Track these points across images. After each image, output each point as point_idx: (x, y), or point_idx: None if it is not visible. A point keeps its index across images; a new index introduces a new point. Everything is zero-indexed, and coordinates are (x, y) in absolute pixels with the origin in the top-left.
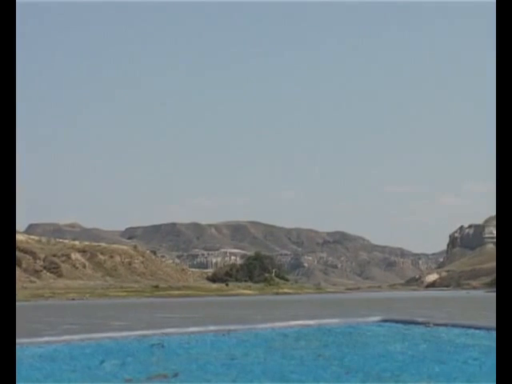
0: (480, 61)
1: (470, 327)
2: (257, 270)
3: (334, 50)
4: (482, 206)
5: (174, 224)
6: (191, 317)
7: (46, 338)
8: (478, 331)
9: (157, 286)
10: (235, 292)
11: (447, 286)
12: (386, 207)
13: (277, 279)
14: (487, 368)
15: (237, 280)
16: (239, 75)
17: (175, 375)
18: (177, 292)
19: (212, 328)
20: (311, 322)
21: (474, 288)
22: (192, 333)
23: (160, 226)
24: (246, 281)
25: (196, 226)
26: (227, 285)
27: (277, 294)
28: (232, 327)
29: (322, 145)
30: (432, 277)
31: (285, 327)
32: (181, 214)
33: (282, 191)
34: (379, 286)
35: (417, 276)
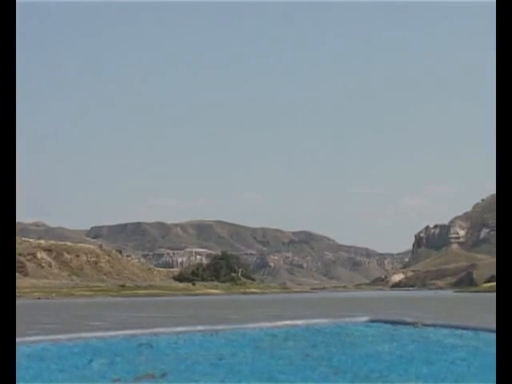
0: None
1: (458, 328)
2: (223, 269)
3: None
4: (445, 207)
5: (139, 223)
6: (173, 317)
7: (34, 338)
8: (466, 332)
9: (123, 286)
10: (202, 291)
11: (412, 286)
12: (351, 207)
13: (243, 279)
14: (475, 368)
15: (203, 279)
16: (223, 76)
17: (163, 375)
18: (143, 291)
19: (200, 328)
20: (299, 322)
21: (440, 288)
22: (180, 332)
23: (125, 225)
24: (212, 280)
25: (161, 226)
26: (194, 284)
27: (244, 293)
28: (220, 327)
29: (286, 145)
30: (397, 277)
31: (273, 327)
32: (146, 214)
33: (246, 191)
34: (345, 286)
35: (382, 276)
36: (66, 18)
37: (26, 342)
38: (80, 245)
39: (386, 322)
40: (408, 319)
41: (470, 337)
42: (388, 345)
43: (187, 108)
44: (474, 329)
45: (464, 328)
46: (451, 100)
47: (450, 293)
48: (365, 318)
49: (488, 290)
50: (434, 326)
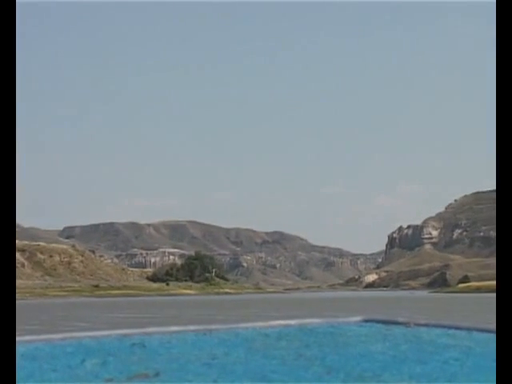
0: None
1: (451, 327)
2: (197, 269)
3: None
4: (418, 207)
5: (112, 223)
6: (161, 317)
7: (27, 337)
8: (459, 331)
9: (97, 286)
10: (176, 292)
11: (386, 287)
12: (324, 208)
13: (217, 279)
14: (468, 368)
15: (177, 280)
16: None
17: (156, 375)
18: (117, 291)
19: (193, 327)
20: (292, 322)
21: (413, 288)
22: (173, 332)
23: (98, 225)
24: (186, 280)
25: (134, 226)
26: (168, 284)
27: (218, 293)
28: (213, 327)
29: (257, 146)
30: (371, 277)
31: (266, 327)
32: (119, 214)
33: (218, 191)
34: (319, 286)
35: (356, 276)
36: (65, 18)
37: (18, 342)
38: (53, 245)
39: (378, 321)
40: (401, 319)
41: (463, 337)
42: (381, 344)
43: (161, 108)
44: (468, 329)
45: (457, 328)
46: (426, 100)
47: (425, 293)
48: (358, 318)
49: (463, 291)
50: (426, 325)
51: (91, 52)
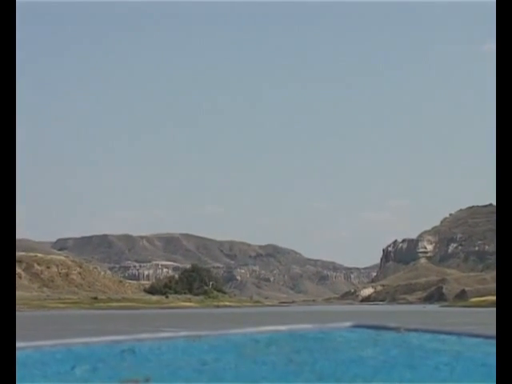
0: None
1: (441, 332)
2: (196, 282)
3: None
4: (412, 221)
5: (105, 235)
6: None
7: (18, 344)
8: (448, 337)
9: (96, 298)
10: (176, 304)
11: (382, 301)
12: (317, 221)
13: (215, 292)
14: (458, 373)
15: (176, 292)
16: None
17: (146, 381)
18: (116, 304)
19: (183, 333)
20: (282, 328)
21: (410, 302)
22: (163, 338)
23: (91, 237)
24: (185, 293)
25: (128, 238)
26: (167, 297)
27: (217, 306)
28: (203, 333)
29: (251, 158)
30: (367, 291)
31: (256, 333)
32: (112, 226)
33: (212, 204)
34: (314, 300)
35: (352, 290)
36: (64, 18)
37: None
38: (50, 256)
39: (369, 327)
40: (391, 324)
41: (452, 341)
42: (371, 350)
43: (155, 121)
44: (457, 334)
45: (447, 333)
46: (419, 111)
47: (436, 307)
48: (348, 324)
49: (478, 305)
50: (416, 330)
51: (88, 59)
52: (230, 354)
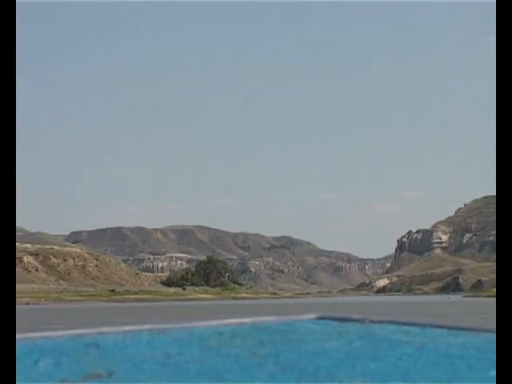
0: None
1: (405, 324)
2: (213, 274)
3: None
4: (425, 212)
5: (119, 228)
6: None
7: None
8: (412, 328)
9: (113, 290)
10: (193, 296)
11: (398, 291)
12: (330, 213)
13: (232, 284)
14: (421, 364)
15: (192, 284)
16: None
17: (110, 374)
18: (134, 296)
19: (147, 327)
20: (246, 320)
21: (426, 293)
22: (127, 332)
23: (105, 230)
24: (202, 285)
25: (141, 231)
26: (184, 289)
27: (235, 298)
28: (167, 326)
29: (264, 150)
30: (382, 282)
31: (220, 325)
32: (126, 219)
33: (225, 196)
34: (329, 291)
35: (367, 281)
36: (64, 18)
37: None
38: (67, 249)
39: (333, 319)
40: (355, 316)
41: (416, 333)
42: (335, 342)
43: (167, 113)
44: (421, 325)
45: (411, 324)
46: (432, 104)
47: (459, 297)
48: (312, 316)
49: None
50: (381, 322)
51: (91, 57)
52: (194, 346)
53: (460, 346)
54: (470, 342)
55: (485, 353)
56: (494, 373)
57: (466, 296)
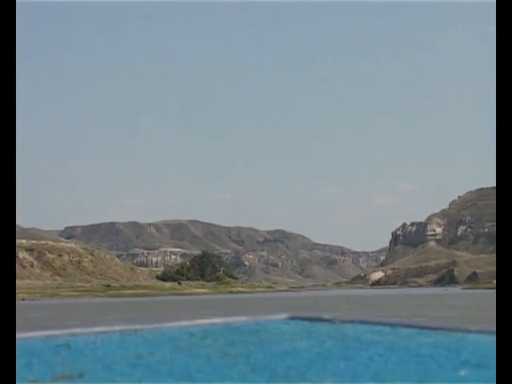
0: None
1: (376, 324)
2: (208, 268)
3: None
4: (419, 204)
5: (113, 223)
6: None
7: None
8: (383, 327)
9: (109, 286)
10: (189, 291)
11: (393, 284)
12: (324, 206)
13: (227, 278)
14: (392, 364)
15: (188, 279)
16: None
17: (81, 375)
18: (130, 291)
19: (118, 327)
20: (218, 321)
21: (421, 286)
22: (98, 333)
23: (99, 225)
24: (197, 279)
25: (135, 225)
26: (180, 283)
27: (231, 292)
28: (138, 326)
29: (258, 145)
30: (377, 274)
31: (191, 326)
32: (120, 214)
33: (219, 190)
34: (323, 285)
35: (362, 274)
36: (62, 18)
37: None
38: (62, 244)
39: (304, 319)
40: (326, 316)
41: (387, 332)
42: (306, 342)
43: (162, 108)
44: (392, 325)
45: (382, 324)
46: (425, 97)
47: (457, 290)
48: (283, 316)
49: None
50: (351, 322)
51: (90, 52)
52: (165, 347)
53: (430, 346)
54: (441, 342)
55: (455, 352)
56: (464, 372)
57: (464, 288)
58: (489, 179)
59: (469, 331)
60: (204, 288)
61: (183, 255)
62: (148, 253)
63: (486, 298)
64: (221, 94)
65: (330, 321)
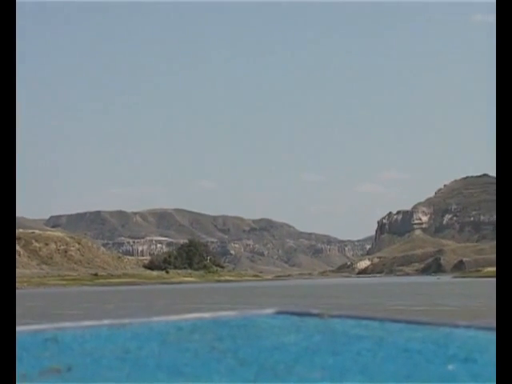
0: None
1: (364, 318)
2: (196, 257)
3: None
4: (405, 193)
5: (98, 212)
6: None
7: None
8: (371, 322)
9: (96, 274)
10: (177, 280)
11: (379, 273)
12: (309, 195)
13: (214, 266)
14: (380, 359)
15: (175, 267)
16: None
17: (68, 369)
18: (117, 280)
19: (106, 322)
20: (206, 315)
21: (407, 274)
22: (86, 327)
23: (85, 214)
24: (185, 268)
25: (121, 214)
26: (167, 272)
27: (219, 281)
28: (126, 321)
29: (243, 133)
30: (364, 263)
31: (179, 320)
32: (105, 202)
33: (205, 179)
34: (310, 274)
35: (348, 262)
36: (62, 18)
37: None
38: (49, 233)
39: (292, 313)
40: (314, 310)
41: (375, 327)
42: (294, 336)
43: (144, 97)
44: (380, 319)
45: (370, 319)
46: (410, 85)
47: (448, 278)
48: (271, 310)
49: (489, 276)
50: (340, 316)
51: (88, 47)
52: (154, 341)
53: (418, 341)
54: (429, 337)
55: (443, 347)
56: (452, 367)
57: (455, 277)
58: (475, 168)
59: (457, 326)
60: (192, 277)
61: (169, 244)
62: (134, 242)
63: (492, 287)
64: (206, 82)
65: (319, 315)
